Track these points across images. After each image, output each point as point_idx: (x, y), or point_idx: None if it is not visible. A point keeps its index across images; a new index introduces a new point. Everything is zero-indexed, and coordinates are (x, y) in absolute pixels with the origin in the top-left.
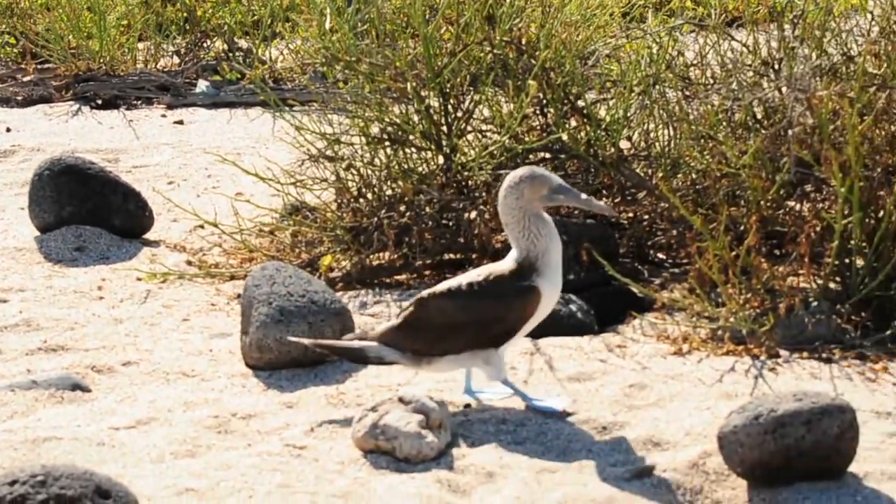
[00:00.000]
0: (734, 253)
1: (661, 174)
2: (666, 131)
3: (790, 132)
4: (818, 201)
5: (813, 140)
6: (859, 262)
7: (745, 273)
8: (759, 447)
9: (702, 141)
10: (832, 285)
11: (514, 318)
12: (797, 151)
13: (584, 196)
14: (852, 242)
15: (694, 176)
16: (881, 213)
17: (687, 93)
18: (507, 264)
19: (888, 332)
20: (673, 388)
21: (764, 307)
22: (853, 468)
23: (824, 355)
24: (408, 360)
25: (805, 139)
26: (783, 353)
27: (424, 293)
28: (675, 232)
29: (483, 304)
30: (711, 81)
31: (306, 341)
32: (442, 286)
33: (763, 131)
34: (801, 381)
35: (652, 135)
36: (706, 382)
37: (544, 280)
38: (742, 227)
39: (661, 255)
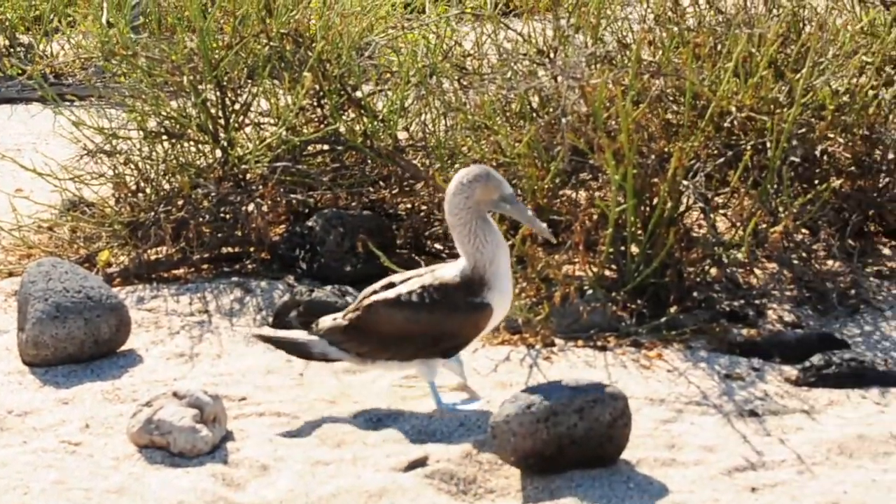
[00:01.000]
0: (510, 242)
1: (438, 165)
2: (443, 121)
3: (564, 120)
4: (594, 189)
5: (587, 128)
6: (634, 250)
7: (521, 262)
8: (531, 436)
9: (478, 131)
10: (607, 273)
11: (466, 334)
12: (571, 139)
13: (529, 212)
14: (627, 230)
15: None
16: (655, 200)
17: (464, 83)
18: (454, 272)
19: (663, 319)
20: (448, 378)
21: (539, 296)
22: (626, 455)
23: (599, 343)
24: (352, 359)
25: (579, 127)
26: (558, 341)
27: (371, 297)
28: None
29: (434, 319)
30: (488, 71)
31: (254, 331)
32: (390, 292)
33: (539, 120)
34: (575, 370)
35: (429, 125)
36: (481, 373)
37: (495, 293)
38: None
39: (438, 246)
